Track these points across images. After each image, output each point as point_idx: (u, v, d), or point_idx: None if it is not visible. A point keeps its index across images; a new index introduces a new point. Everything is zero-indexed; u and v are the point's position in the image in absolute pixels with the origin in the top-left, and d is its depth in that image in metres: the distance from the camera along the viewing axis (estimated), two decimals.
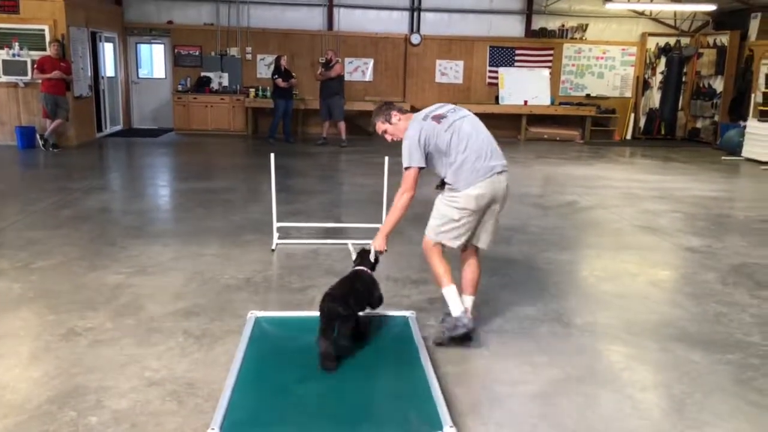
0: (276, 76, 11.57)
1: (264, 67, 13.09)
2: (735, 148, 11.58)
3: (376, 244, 3.37)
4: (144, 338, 3.42)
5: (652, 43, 13.82)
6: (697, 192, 8.05)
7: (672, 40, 13.78)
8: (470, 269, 3.54)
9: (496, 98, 13.52)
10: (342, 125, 11.71)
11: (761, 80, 11.90)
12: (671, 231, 6.06)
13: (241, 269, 4.62)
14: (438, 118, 3.35)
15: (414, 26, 13.37)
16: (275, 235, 5.29)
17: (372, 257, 3.32)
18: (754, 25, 12.54)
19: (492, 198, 3.34)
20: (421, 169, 3.31)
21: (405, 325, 3.26)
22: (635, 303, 4.17)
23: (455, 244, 3.41)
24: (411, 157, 3.29)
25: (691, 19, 13.74)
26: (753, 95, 11.63)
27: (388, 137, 3.56)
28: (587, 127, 13.44)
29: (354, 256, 3.42)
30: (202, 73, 12.91)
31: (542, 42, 13.64)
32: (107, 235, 5.45)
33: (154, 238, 5.40)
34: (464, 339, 3.36)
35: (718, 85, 13.15)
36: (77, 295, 4.04)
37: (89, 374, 3.01)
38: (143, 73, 13.42)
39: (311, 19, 13.24)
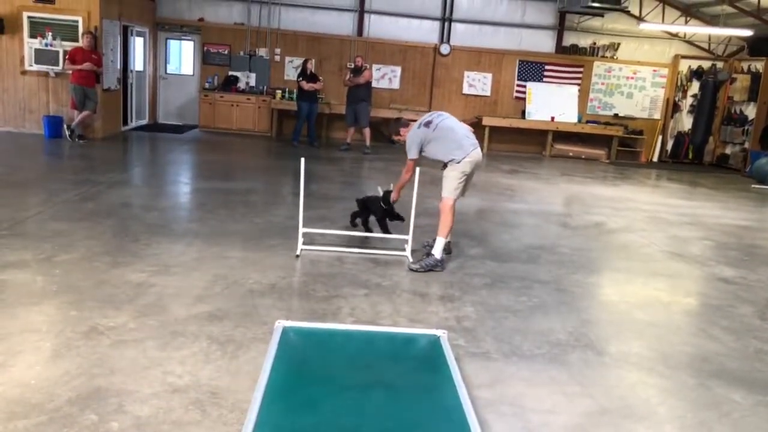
0: (300, 79, 11.55)
1: (292, 69, 13.08)
2: (765, 177, 11.35)
3: (393, 197, 5.50)
4: (167, 341, 3.35)
5: (684, 66, 13.64)
6: (727, 220, 7.87)
7: (705, 64, 13.59)
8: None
9: (523, 113, 13.41)
10: (367, 132, 11.66)
11: None
12: (702, 259, 5.90)
13: (265, 274, 4.55)
14: (428, 125, 5.10)
15: (444, 36, 13.30)
16: (300, 240, 5.21)
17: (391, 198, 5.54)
18: None
19: (476, 164, 5.05)
20: (415, 160, 5.13)
21: (436, 344, 3.16)
22: (670, 333, 4.03)
23: (460, 195, 5.13)
24: (410, 153, 5.13)
25: (725, 43, 13.55)
26: None
27: (400, 140, 5.44)
28: (613, 147, 13.29)
29: (381, 193, 5.63)
30: (230, 72, 12.93)
31: (572, 59, 13.51)
32: (130, 231, 5.40)
33: (177, 237, 5.34)
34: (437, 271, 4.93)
35: (750, 111, 12.94)
36: (100, 292, 3.98)
37: (111, 376, 2.93)
38: (171, 68, 13.47)
39: (341, 23, 13.22)
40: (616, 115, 13.76)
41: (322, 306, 4.03)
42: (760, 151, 12.29)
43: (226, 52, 12.99)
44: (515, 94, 13.58)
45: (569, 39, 13.56)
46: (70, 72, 9.83)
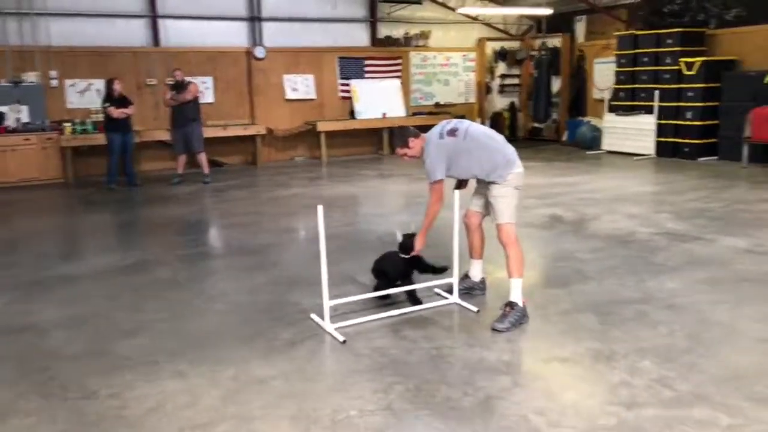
0: (107, 104, 9.21)
1: (75, 95, 10.46)
2: (590, 143, 12.15)
3: (417, 246, 4.05)
4: None
5: (489, 48, 14.06)
6: (635, 189, 8.02)
7: (507, 44, 14.19)
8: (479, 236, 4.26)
9: (351, 113, 12.54)
10: (203, 157, 9.80)
11: (597, 77, 12.73)
12: (701, 234, 5.66)
13: (353, 393, 3.01)
14: (453, 133, 3.93)
15: (256, 38, 11.75)
16: (327, 317, 3.72)
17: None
18: (580, 28, 13.38)
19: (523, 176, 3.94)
20: (442, 182, 3.91)
21: None
22: None
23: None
24: (436, 173, 3.89)
25: (518, 23, 14.26)
26: (604, 92, 12.25)
27: (407, 159, 4.12)
28: None
29: (400, 239, 4.12)
30: None
31: (390, 51, 12.99)
32: (66, 376, 3.28)
33: (149, 366, 3.37)
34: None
35: (555, 84, 13.81)
36: None
37: None
38: None
39: (130, 33, 10.87)
40: (437, 104, 13.64)
41: (500, 424, 2.71)
42: (572, 120, 13.19)
43: None
44: (340, 94, 12.62)
45: (383, 30, 12.99)
46: None
